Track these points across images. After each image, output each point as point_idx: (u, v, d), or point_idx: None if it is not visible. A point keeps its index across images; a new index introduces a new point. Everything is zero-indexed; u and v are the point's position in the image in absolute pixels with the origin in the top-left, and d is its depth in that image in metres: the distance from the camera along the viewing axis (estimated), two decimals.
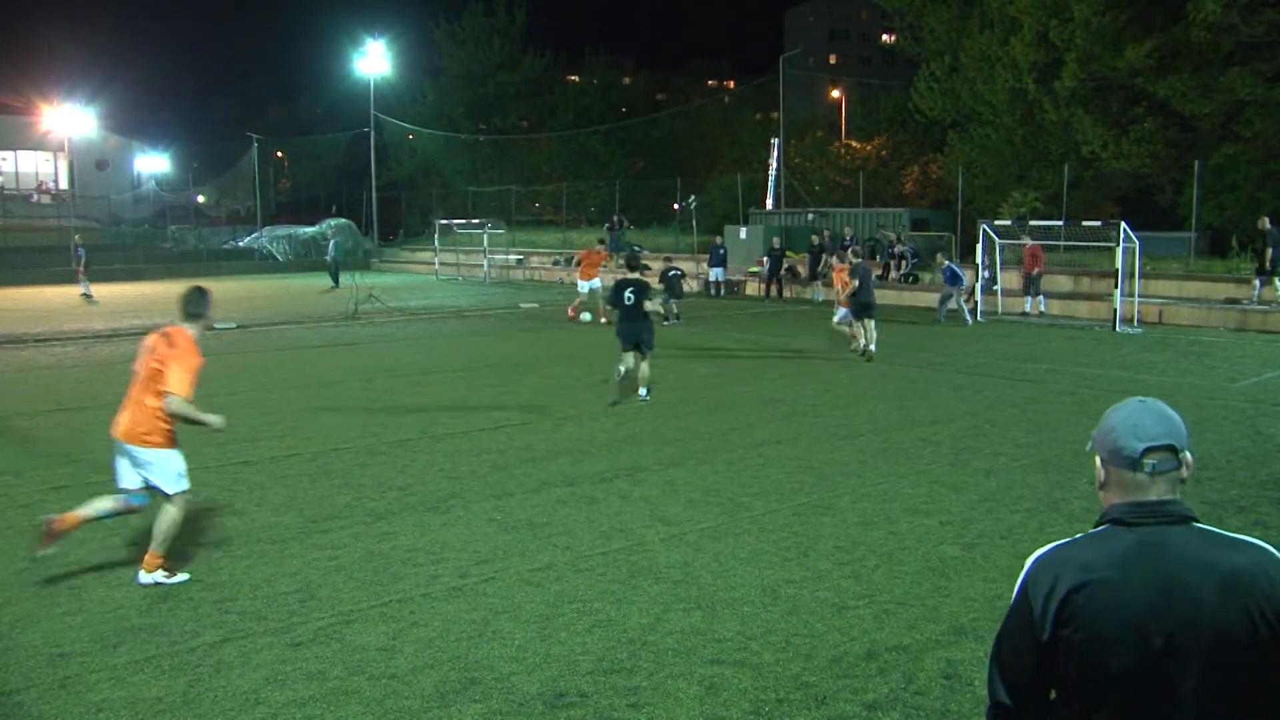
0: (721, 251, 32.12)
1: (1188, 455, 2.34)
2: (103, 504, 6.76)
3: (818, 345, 18.62)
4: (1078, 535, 2.38)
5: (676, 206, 46.12)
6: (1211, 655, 2.18)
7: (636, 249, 40.54)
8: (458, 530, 7.90)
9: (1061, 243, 28.61)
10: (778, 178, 42.72)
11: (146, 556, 6.73)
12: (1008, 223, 27.29)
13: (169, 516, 6.72)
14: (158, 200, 63.17)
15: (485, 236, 40.81)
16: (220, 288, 36.76)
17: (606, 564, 7.08)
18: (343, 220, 52.69)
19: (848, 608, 6.24)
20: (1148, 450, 2.31)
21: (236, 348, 19.47)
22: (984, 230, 24.98)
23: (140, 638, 5.88)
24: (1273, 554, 2.27)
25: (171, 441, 6.69)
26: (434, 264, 45.06)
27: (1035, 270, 24.56)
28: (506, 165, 60.20)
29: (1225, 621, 2.18)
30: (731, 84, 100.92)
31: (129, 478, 6.72)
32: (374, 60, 51.66)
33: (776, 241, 31.21)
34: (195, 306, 6.84)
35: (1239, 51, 32.07)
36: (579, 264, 26.00)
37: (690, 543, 7.51)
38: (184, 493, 6.80)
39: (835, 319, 18.09)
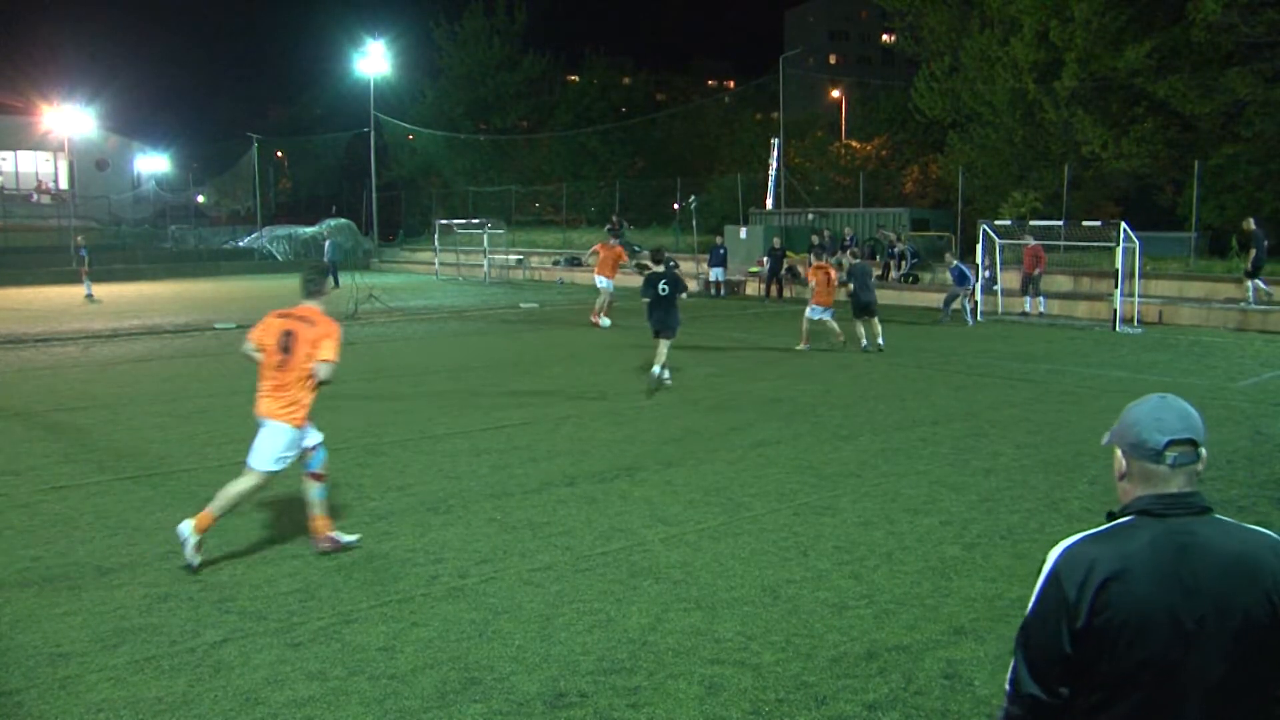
0: (722, 251, 32.15)
1: (1203, 450, 2.44)
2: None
3: (817, 345, 18.56)
4: (1102, 526, 2.44)
5: (676, 206, 46.14)
6: (1236, 638, 2.29)
7: (637, 249, 40.81)
8: (457, 530, 7.89)
9: (1061, 243, 28.62)
10: (778, 178, 42.74)
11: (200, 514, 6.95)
12: (1008, 223, 27.30)
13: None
14: (158, 200, 63.25)
15: (485, 236, 40.83)
16: (220, 288, 36.92)
17: (606, 564, 7.07)
18: (343, 220, 52.65)
19: (848, 608, 6.23)
20: (1170, 443, 2.40)
21: (237, 346, 19.40)
22: (984, 230, 24.98)
23: (140, 638, 5.87)
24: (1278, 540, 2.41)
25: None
26: (434, 264, 45.10)
27: (1036, 270, 24.57)
28: (506, 165, 60.31)
29: (1248, 605, 2.30)
30: (732, 84, 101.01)
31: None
32: (374, 60, 51.65)
33: (777, 241, 31.25)
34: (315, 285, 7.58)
35: (1239, 51, 32.00)
36: (593, 255, 23.43)
37: (690, 543, 7.50)
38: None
39: (807, 315, 18.50)
